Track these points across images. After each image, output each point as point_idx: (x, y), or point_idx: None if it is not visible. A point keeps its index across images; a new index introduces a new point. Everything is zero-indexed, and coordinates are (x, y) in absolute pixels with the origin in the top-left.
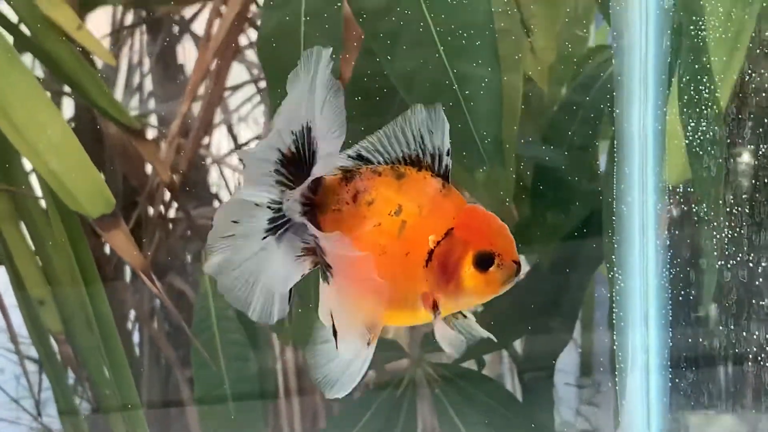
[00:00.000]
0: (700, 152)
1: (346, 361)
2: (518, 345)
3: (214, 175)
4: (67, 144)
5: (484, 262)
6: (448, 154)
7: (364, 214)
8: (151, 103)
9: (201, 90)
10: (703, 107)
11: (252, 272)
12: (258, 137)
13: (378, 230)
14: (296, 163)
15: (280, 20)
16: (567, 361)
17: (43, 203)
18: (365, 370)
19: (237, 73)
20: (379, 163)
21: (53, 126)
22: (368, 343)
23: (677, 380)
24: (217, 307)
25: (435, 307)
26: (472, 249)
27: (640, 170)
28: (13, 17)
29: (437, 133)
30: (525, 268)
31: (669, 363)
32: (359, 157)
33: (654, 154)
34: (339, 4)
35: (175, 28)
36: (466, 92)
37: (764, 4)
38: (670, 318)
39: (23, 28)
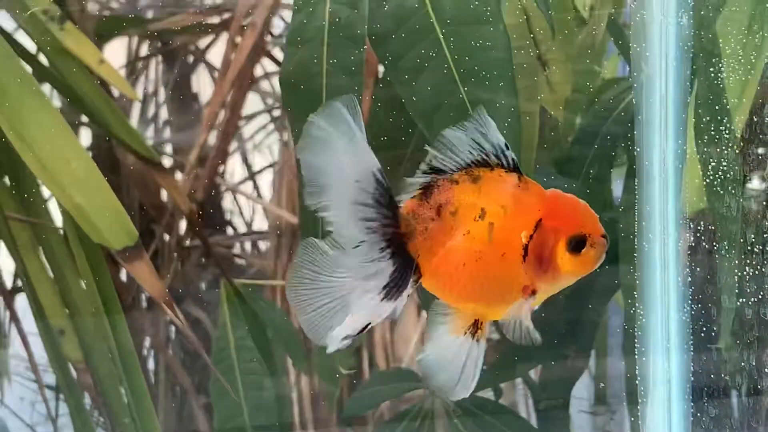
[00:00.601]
0: (721, 191)
1: (458, 365)
2: (534, 373)
3: (227, 202)
4: (91, 178)
5: (577, 245)
6: (507, 148)
7: (450, 225)
8: (166, 132)
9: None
10: (723, 147)
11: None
12: (271, 165)
13: (468, 238)
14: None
15: (302, 59)
16: (581, 388)
17: (61, 231)
18: (480, 367)
19: (251, 101)
20: (451, 170)
21: (77, 160)
22: (477, 340)
23: (698, 414)
24: (237, 337)
25: (533, 293)
26: (564, 235)
27: (661, 206)
28: (31, 46)
29: (489, 131)
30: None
31: (690, 395)
32: (432, 169)
33: (674, 191)
34: (363, 47)
35: (190, 58)
36: None
37: None
38: (692, 351)
39: (41, 57)
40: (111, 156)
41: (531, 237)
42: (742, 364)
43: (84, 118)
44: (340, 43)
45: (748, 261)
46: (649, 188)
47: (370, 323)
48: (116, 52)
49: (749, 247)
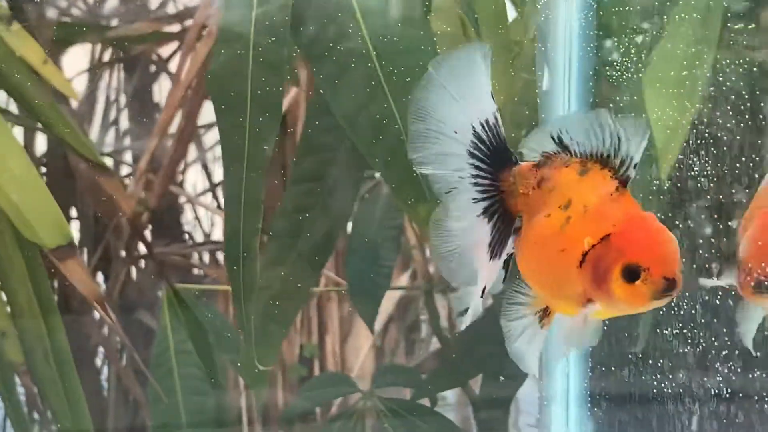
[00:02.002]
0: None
1: (523, 345)
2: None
3: (187, 213)
4: (28, 176)
5: (630, 274)
6: (634, 167)
7: (545, 200)
8: (127, 140)
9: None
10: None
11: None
12: None
13: (546, 221)
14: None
15: (230, 57)
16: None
17: None
18: (540, 348)
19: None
20: (575, 153)
21: (15, 158)
22: (542, 326)
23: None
24: (176, 340)
25: (589, 301)
26: (624, 259)
27: None
28: None
29: (634, 140)
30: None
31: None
32: (560, 141)
33: None
34: (287, 48)
35: (152, 67)
36: None
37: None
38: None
39: None
40: (66, 163)
41: (594, 246)
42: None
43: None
44: (265, 42)
45: None
46: None
47: (486, 286)
48: (79, 57)
49: None
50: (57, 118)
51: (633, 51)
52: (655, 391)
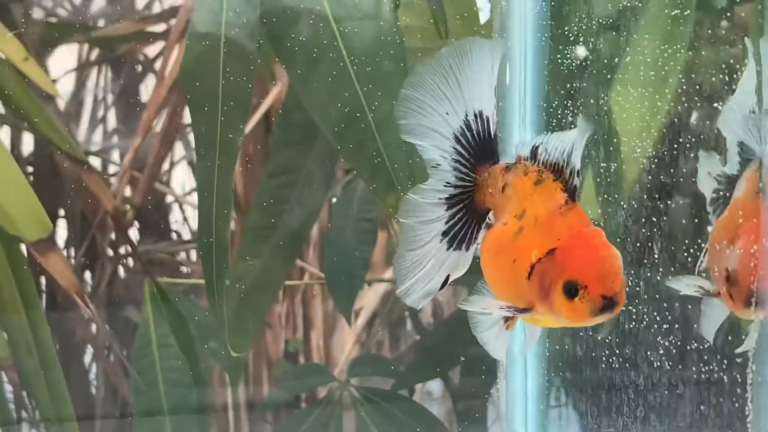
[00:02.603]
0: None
1: (491, 335)
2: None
3: (177, 213)
4: (8, 170)
5: (570, 291)
6: (578, 175)
7: (505, 205)
8: (115, 140)
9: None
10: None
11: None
12: None
13: (502, 229)
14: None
15: (202, 50)
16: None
17: None
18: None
19: None
20: (540, 162)
21: None
22: (507, 327)
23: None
24: (159, 334)
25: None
26: (564, 275)
27: None
28: None
29: (577, 151)
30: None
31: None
32: (533, 150)
33: None
34: (260, 41)
35: (139, 67)
36: (378, 118)
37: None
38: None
39: None
40: (53, 163)
41: (540, 260)
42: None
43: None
44: (235, 36)
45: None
46: None
47: (449, 275)
48: (66, 57)
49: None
50: (40, 115)
51: (590, 41)
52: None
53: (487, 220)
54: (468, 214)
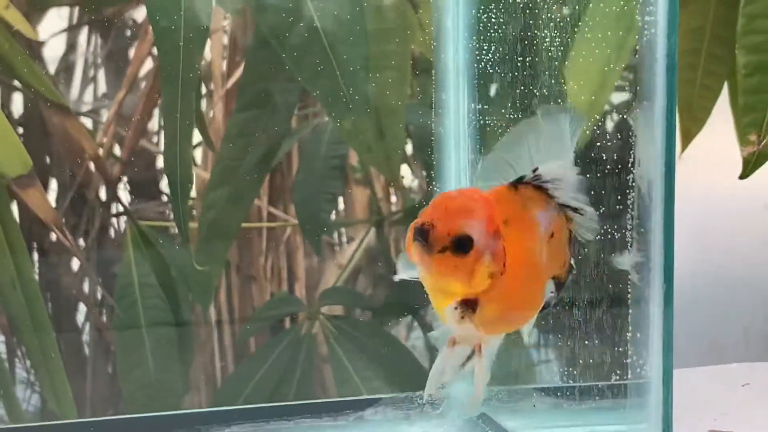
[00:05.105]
0: None
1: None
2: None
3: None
4: None
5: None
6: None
7: None
8: (105, 101)
9: None
10: None
11: None
12: None
13: None
14: None
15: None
16: None
17: None
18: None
19: None
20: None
21: None
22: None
23: None
24: (140, 274)
25: None
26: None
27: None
28: None
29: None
30: None
31: None
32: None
33: None
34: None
35: (128, 32)
36: (335, 42)
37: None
38: None
39: None
40: (42, 122)
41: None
42: None
43: (17, 83)
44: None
45: None
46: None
47: None
48: (56, 19)
49: None
50: (20, 63)
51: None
52: None
53: None
54: None
